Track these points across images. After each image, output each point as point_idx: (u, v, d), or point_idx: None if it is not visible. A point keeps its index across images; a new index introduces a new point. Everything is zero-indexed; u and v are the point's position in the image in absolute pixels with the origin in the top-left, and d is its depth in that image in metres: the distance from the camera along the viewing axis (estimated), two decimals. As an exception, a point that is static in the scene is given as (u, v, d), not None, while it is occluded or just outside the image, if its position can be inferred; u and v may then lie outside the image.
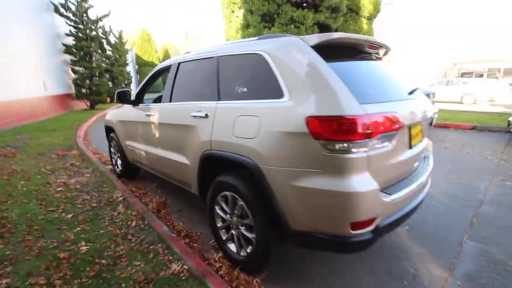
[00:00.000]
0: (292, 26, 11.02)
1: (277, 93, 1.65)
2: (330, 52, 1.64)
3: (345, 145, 1.37)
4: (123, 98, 3.21)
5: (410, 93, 1.99)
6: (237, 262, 1.96)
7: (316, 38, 1.65)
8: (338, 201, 1.41)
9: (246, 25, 12.97)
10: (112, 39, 17.04)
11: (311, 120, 1.43)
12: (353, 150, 1.37)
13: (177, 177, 2.58)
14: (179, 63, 2.61)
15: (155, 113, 2.74)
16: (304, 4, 10.99)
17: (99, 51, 14.80)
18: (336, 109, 1.40)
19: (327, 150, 1.40)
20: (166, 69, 2.89)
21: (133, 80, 20.87)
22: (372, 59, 2.02)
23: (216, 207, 2.08)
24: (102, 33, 15.63)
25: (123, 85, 17.22)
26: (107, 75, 15.56)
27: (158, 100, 3.67)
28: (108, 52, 16.43)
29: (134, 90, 20.03)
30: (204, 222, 2.70)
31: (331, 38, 1.64)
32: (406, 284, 1.83)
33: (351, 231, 1.44)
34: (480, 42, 18.07)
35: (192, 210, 3.01)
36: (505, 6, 17.12)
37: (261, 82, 1.78)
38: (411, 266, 2.00)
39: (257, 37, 2.02)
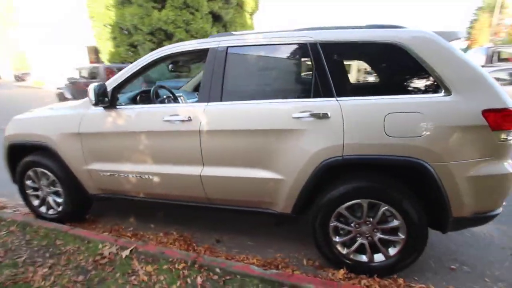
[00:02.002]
0: (187, 12, 10.18)
1: (432, 88, 1.61)
2: None
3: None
4: (101, 97, 2.02)
5: None
6: (371, 270, 1.81)
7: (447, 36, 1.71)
8: (502, 183, 1.61)
9: (122, 1, 10.79)
10: None
11: (489, 113, 1.53)
12: None
13: (242, 198, 1.97)
14: (227, 48, 1.93)
15: (198, 117, 1.90)
16: (198, -10, 10.33)
17: None
18: (503, 103, 1.56)
19: (500, 139, 1.56)
20: (192, 54, 2.06)
21: None
22: None
23: (332, 222, 1.80)
24: None
25: None
26: None
27: (143, 99, 2.57)
28: None
29: None
30: (266, 245, 2.25)
31: (456, 38, 1.75)
32: None
33: (500, 207, 1.69)
34: None
35: (231, 236, 2.39)
36: None
37: (404, 76, 1.66)
38: None
39: (368, 25, 1.82)
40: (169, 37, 10.42)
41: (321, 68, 1.73)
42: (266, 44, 1.86)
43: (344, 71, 1.79)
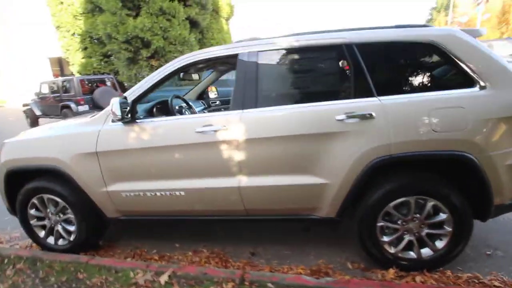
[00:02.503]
0: (163, 18, 9.88)
1: (467, 83, 1.66)
2: None
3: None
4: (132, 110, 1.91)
5: None
6: (421, 265, 1.83)
7: (470, 33, 1.79)
8: None
9: (92, 9, 10.26)
10: None
11: None
12: None
13: (283, 206, 1.91)
14: (258, 52, 1.87)
15: (234, 125, 1.79)
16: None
17: None
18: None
19: None
20: (218, 61, 1.97)
21: None
22: None
23: (379, 222, 1.80)
24: None
25: None
26: None
27: (160, 110, 2.40)
28: None
29: None
30: (304, 252, 2.19)
31: (479, 35, 1.84)
32: None
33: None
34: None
35: (264, 247, 2.30)
36: None
37: (439, 72, 1.70)
38: None
39: (396, 25, 1.86)
40: (146, 45, 10.04)
41: (359, 68, 1.73)
42: (299, 47, 1.82)
43: (382, 70, 1.80)
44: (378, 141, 1.67)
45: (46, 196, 2.17)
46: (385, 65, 1.81)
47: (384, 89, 1.72)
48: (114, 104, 1.79)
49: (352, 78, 1.75)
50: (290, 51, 1.87)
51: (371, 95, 1.71)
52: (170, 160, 1.90)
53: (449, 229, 1.76)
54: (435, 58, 1.72)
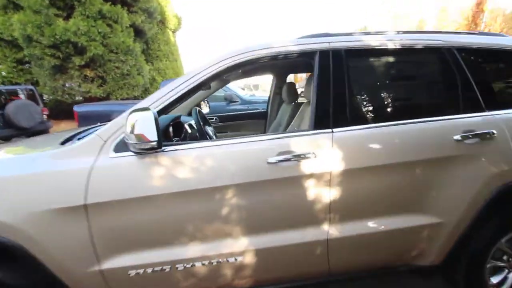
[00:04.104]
0: (103, 23, 8.51)
1: None
2: None
3: None
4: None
5: None
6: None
7: None
8: None
9: (4, 5, 8.26)
10: None
11: None
12: None
13: (380, 258, 1.40)
14: (344, 51, 1.37)
15: (325, 151, 1.23)
16: (114, -1, 8.82)
17: None
18: None
19: None
20: (286, 58, 1.39)
21: None
22: None
23: (490, 263, 1.46)
24: None
25: None
26: None
27: (177, 132, 1.63)
28: None
29: None
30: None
31: None
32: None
33: None
34: None
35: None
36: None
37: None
38: None
39: (479, 32, 1.63)
40: (80, 52, 8.42)
41: (466, 77, 1.41)
42: (395, 47, 1.41)
43: (490, 80, 1.52)
44: (506, 165, 1.34)
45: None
46: (492, 74, 1.54)
47: (495, 102, 1.43)
48: (140, 120, 1.03)
49: (460, 89, 1.41)
50: (383, 52, 1.43)
51: (481, 109, 1.40)
52: (226, 209, 1.20)
53: None
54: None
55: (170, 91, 1.26)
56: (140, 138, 1.07)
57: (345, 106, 1.32)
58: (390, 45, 1.40)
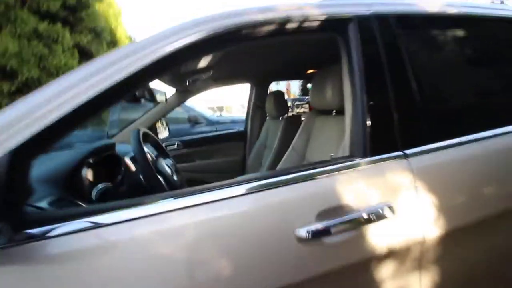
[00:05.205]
0: (39, 43, 7.38)
1: None
2: None
3: None
4: None
5: None
6: None
7: None
8: None
9: None
10: None
11: None
12: None
13: None
14: (398, 18, 0.80)
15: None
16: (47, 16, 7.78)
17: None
18: None
19: None
20: (305, 30, 0.78)
21: None
22: None
23: None
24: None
25: None
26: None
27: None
28: None
29: None
30: None
31: None
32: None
33: None
34: None
35: None
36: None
37: None
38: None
39: None
40: (9, 76, 7.12)
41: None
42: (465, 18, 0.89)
43: None
44: None
45: None
46: None
47: None
48: None
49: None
50: (449, 22, 0.90)
51: None
52: None
53: None
54: None
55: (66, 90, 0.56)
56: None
57: (419, 109, 0.73)
58: (456, 13, 0.89)
